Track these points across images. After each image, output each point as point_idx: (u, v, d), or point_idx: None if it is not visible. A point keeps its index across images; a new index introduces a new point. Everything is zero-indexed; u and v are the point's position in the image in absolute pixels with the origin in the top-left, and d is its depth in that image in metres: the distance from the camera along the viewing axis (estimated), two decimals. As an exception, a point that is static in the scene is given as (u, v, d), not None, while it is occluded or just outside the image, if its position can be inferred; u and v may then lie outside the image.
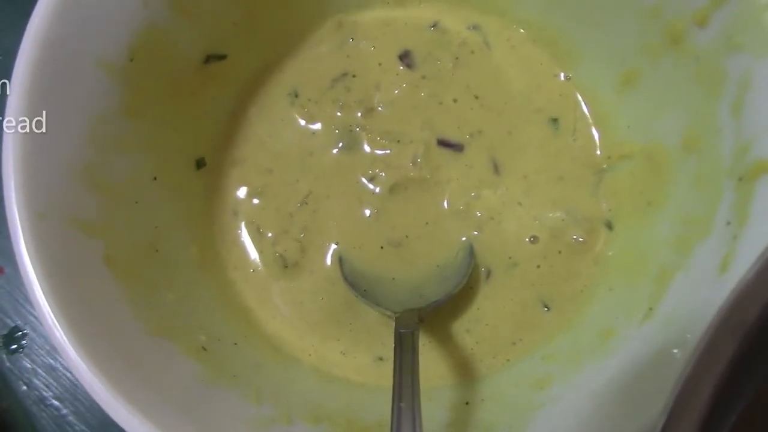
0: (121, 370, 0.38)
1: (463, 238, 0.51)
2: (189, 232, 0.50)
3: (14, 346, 0.55)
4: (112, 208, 0.43)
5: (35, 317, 0.55)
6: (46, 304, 0.37)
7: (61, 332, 0.37)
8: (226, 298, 0.50)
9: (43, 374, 0.54)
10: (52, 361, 0.54)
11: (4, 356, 0.55)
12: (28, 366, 0.54)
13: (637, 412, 0.37)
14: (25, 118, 0.39)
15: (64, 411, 0.54)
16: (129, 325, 0.41)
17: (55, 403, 0.54)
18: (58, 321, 0.37)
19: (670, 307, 0.41)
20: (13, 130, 0.39)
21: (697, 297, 0.39)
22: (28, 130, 0.39)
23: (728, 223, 0.39)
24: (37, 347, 0.55)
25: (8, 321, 0.55)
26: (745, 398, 0.29)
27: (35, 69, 0.40)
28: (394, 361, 0.42)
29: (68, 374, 0.54)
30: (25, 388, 0.54)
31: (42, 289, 0.37)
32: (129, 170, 0.45)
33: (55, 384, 0.54)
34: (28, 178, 0.39)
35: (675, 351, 0.38)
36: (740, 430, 0.30)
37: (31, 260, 0.38)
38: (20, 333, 0.55)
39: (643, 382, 0.39)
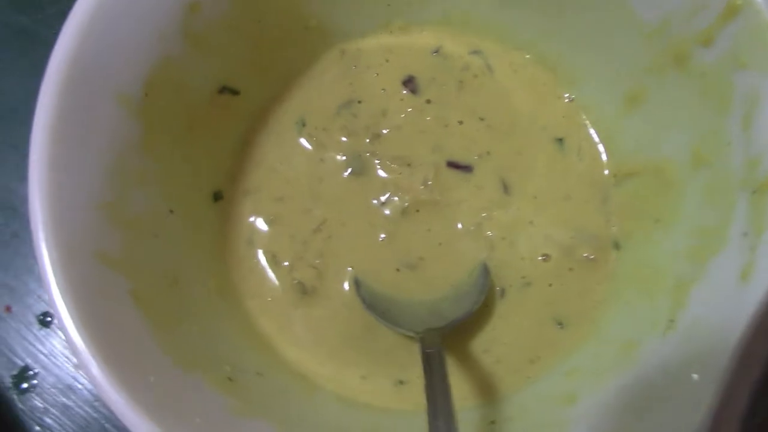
0: (158, 406, 0.37)
1: (478, 258, 0.52)
2: (206, 264, 0.50)
3: (25, 386, 0.54)
4: (134, 242, 0.43)
5: (45, 355, 0.54)
6: (81, 342, 0.37)
7: (99, 371, 0.36)
8: (246, 327, 0.50)
9: (56, 413, 0.53)
10: (65, 399, 0.53)
11: (15, 397, 0.53)
12: (40, 406, 0.53)
13: (671, 423, 0.38)
14: (49, 157, 0.39)
15: (79, 450, 0.53)
16: (159, 360, 0.41)
17: (70, 442, 0.53)
18: (95, 360, 0.37)
19: (693, 316, 0.42)
20: (37, 169, 0.39)
21: (719, 306, 0.41)
22: (52, 169, 0.39)
23: (745, 234, 0.40)
24: (48, 386, 0.54)
25: (17, 360, 0.54)
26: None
27: (57, 108, 0.39)
28: (425, 383, 0.42)
29: (82, 412, 0.53)
30: (38, 428, 0.53)
31: (76, 327, 0.37)
32: (147, 204, 0.45)
33: (69, 423, 0.53)
34: (55, 216, 0.38)
35: (694, 376, 0.39)
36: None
37: (63, 299, 0.37)
38: (31, 372, 0.54)
39: (674, 393, 0.40)
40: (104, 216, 0.41)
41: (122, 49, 0.42)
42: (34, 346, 0.55)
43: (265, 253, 0.52)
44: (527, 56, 0.56)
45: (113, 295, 0.40)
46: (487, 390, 0.49)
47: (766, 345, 0.32)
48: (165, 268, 0.46)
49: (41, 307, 0.56)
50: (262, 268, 0.52)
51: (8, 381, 0.54)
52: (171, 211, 0.47)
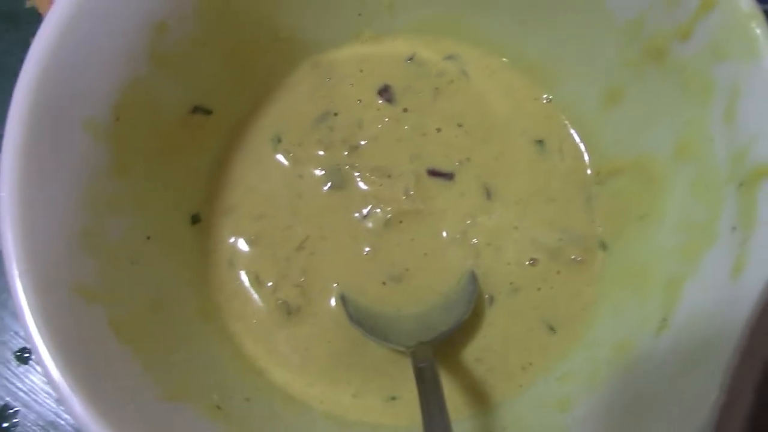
0: (145, 440, 0.37)
1: (465, 266, 0.51)
2: (188, 288, 0.48)
3: (6, 425, 0.52)
4: (111, 271, 0.42)
5: (25, 392, 0.53)
6: (62, 378, 0.35)
7: (81, 406, 0.35)
8: (232, 351, 0.49)
9: (40, 451, 0.52)
10: (48, 436, 0.52)
11: (-3, 437, 0.52)
12: (23, 444, 0.52)
13: (669, 425, 0.38)
14: (19, 189, 0.38)
15: (65, 487, 0.51)
16: (144, 390, 0.39)
17: (55, 480, 0.51)
18: (75, 395, 0.35)
19: (686, 314, 0.41)
20: (8, 202, 0.37)
21: (711, 303, 0.40)
22: (23, 202, 0.38)
23: (734, 229, 0.40)
24: (29, 424, 0.52)
25: (-4, 400, 0.53)
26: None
27: (24, 139, 0.38)
28: (420, 398, 0.41)
29: (66, 449, 0.52)
30: (22, 468, 0.51)
31: (55, 363, 0.36)
32: (123, 231, 0.44)
33: (53, 460, 0.52)
34: (28, 250, 0.37)
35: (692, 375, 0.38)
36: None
37: (41, 334, 0.36)
38: (11, 410, 0.52)
39: (671, 394, 0.39)
40: (79, 246, 0.40)
41: (88, 74, 0.41)
42: (13, 383, 0.53)
43: (247, 274, 0.51)
44: (503, 59, 0.55)
45: (92, 326, 0.39)
46: (480, 399, 0.48)
47: (766, 343, 0.31)
48: (145, 296, 0.44)
49: (18, 343, 0.54)
50: (246, 290, 0.50)
51: (-12, 421, 0.52)
52: (148, 237, 0.46)
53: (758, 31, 0.39)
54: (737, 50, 0.40)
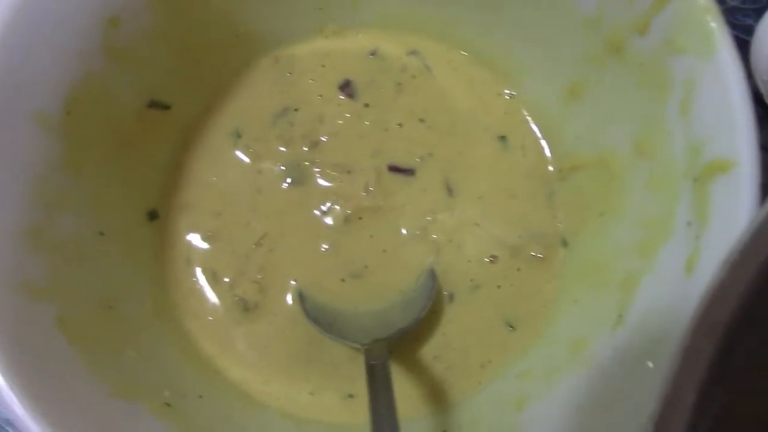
0: (87, 439, 0.36)
1: (425, 263, 0.50)
2: (142, 286, 0.48)
3: (-40, 424, 0.51)
4: (60, 268, 0.41)
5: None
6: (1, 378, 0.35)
7: (21, 408, 0.34)
8: (187, 349, 0.48)
9: (-5, 450, 0.51)
10: (3, 435, 0.51)
11: (-49, 436, 0.51)
12: (-22, 443, 0.51)
13: (623, 421, 0.37)
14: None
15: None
16: (91, 390, 0.39)
17: (10, 479, 0.51)
18: (16, 395, 0.35)
19: (641, 311, 0.41)
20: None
21: (666, 299, 0.40)
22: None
23: (689, 224, 0.39)
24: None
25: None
26: (724, 395, 0.30)
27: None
28: (369, 395, 0.41)
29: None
30: (-24, 467, 0.51)
31: (-4, 363, 0.35)
32: (74, 227, 0.43)
33: (8, 459, 0.51)
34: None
35: (649, 364, 0.38)
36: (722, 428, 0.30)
37: (-19, 334, 0.35)
38: (-34, 409, 0.52)
39: (624, 391, 0.39)
40: (26, 242, 0.40)
41: (36, 66, 0.41)
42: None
43: (204, 271, 0.50)
44: (465, 54, 0.54)
45: (38, 325, 0.39)
46: (438, 398, 0.48)
47: (709, 343, 0.31)
48: (97, 294, 0.44)
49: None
50: (202, 287, 0.50)
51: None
52: (101, 234, 0.45)
53: (713, 24, 0.39)
54: (693, 44, 0.40)
